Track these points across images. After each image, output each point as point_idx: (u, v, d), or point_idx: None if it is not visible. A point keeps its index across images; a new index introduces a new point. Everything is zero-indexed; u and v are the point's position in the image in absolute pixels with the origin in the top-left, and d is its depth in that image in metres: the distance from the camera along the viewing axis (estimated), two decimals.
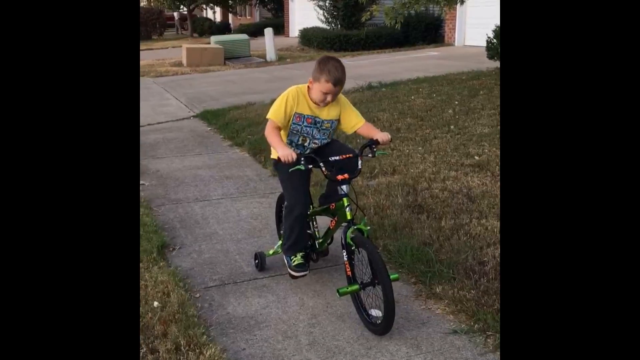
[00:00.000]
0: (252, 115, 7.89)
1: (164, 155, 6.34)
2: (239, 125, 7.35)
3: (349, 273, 2.79)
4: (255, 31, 23.71)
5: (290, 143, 3.00)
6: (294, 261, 3.09)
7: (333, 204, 2.95)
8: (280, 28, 24.01)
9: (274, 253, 3.40)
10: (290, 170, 2.77)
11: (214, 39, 16.86)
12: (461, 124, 6.50)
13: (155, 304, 2.97)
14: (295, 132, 2.97)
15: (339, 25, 17.87)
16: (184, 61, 15.03)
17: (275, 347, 2.66)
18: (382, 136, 2.88)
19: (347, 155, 2.88)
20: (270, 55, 15.31)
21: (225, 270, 3.47)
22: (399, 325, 2.75)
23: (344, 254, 2.78)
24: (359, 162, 2.84)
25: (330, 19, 18.19)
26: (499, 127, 6.21)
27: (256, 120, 7.54)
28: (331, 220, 3.02)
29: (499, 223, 3.78)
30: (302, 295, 3.14)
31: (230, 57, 15.47)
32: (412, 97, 8.19)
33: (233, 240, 3.92)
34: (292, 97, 2.88)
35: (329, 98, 2.84)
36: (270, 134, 2.85)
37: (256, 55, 16.06)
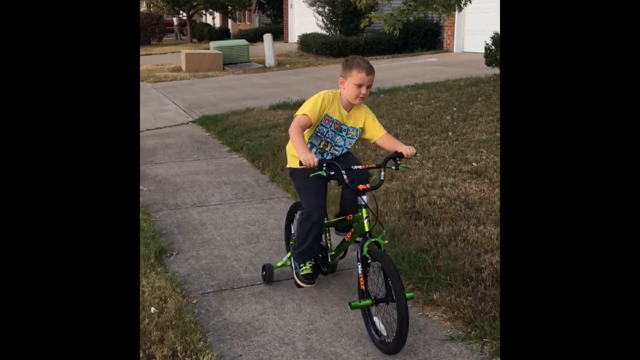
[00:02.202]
0: (250, 121, 7.90)
1: (162, 160, 6.34)
2: (237, 131, 7.36)
3: (363, 287, 2.69)
4: (255, 37, 23.76)
5: (311, 146, 2.97)
6: (303, 270, 3.04)
7: (350, 215, 2.90)
8: (279, 34, 24.08)
9: (282, 265, 3.33)
10: (311, 175, 2.71)
11: (213, 44, 16.90)
12: (459, 131, 6.52)
13: (153, 309, 2.96)
14: (319, 134, 2.94)
15: (338, 31, 17.91)
16: (183, 67, 15.05)
17: (272, 354, 2.65)
18: (406, 149, 2.82)
19: (370, 165, 2.87)
20: (269, 60, 15.34)
21: (223, 276, 3.46)
22: None
23: (359, 266, 2.69)
24: (382, 173, 2.81)
25: (329, 25, 18.23)
26: (497, 133, 6.23)
27: (255, 126, 7.56)
28: (346, 232, 2.96)
29: (496, 229, 3.79)
30: (299, 301, 3.14)
31: (229, 62, 15.50)
32: (411, 103, 8.21)
33: (230, 246, 3.92)
34: (327, 97, 2.87)
35: (363, 90, 2.80)
36: (295, 132, 2.74)
37: (255, 60, 16.10)
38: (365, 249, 2.65)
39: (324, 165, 2.66)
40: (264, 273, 3.33)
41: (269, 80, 12.50)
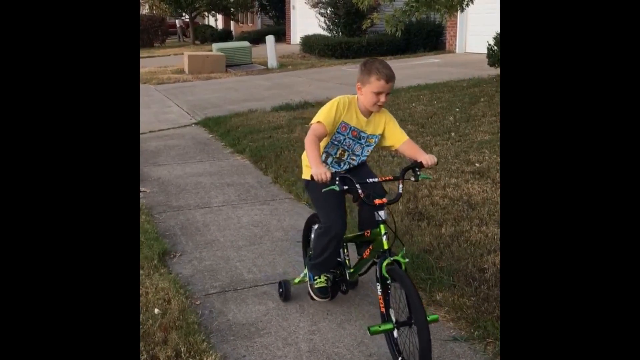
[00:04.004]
0: (253, 123, 7.92)
1: (165, 162, 6.36)
2: (240, 133, 7.38)
3: (383, 309, 2.51)
4: (257, 38, 23.79)
5: (327, 156, 2.82)
6: (317, 283, 2.93)
7: (368, 231, 2.72)
8: (281, 35, 24.11)
9: (299, 282, 3.16)
10: (323, 190, 2.53)
11: (215, 46, 16.94)
12: (462, 131, 6.52)
13: (156, 310, 2.97)
14: (336, 142, 2.78)
15: (340, 33, 17.93)
16: (186, 68, 15.09)
17: (275, 354, 2.66)
18: (427, 158, 2.63)
19: (387, 178, 2.70)
20: (272, 62, 15.36)
21: (226, 278, 3.47)
22: None
23: (378, 287, 2.52)
24: (400, 186, 2.58)
25: (331, 27, 18.27)
26: (499, 134, 6.23)
27: (257, 128, 7.57)
28: (365, 249, 2.77)
29: (499, 230, 3.79)
30: (302, 302, 3.15)
31: (232, 64, 15.53)
32: (413, 104, 8.22)
33: (234, 248, 3.93)
34: (342, 103, 2.71)
35: (382, 98, 2.62)
36: (310, 143, 2.57)
37: (257, 62, 16.12)
38: (384, 268, 2.47)
39: (337, 178, 2.49)
40: (281, 290, 3.15)
41: (272, 81, 12.52)
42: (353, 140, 2.79)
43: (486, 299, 2.95)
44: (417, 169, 2.61)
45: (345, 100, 2.73)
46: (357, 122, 2.75)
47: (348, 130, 2.75)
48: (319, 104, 8.92)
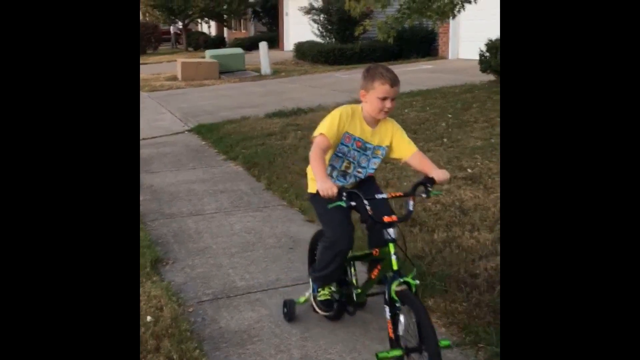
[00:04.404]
0: (246, 130, 7.93)
1: (158, 169, 6.36)
2: (233, 139, 7.38)
3: (392, 335, 2.36)
4: (250, 45, 23.82)
5: (332, 169, 2.71)
6: (321, 295, 2.84)
7: (377, 250, 2.59)
8: (275, 42, 24.16)
9: (305, 301, 3.00)
10: (329, 206, 2.43)
11: (208, 53, 16.96)
12: (454, 137, 6.55)
13: (149, 318, 2.97)
14: (340, 154, 2.67)
15: (334, 39, 17.99)
16: (179, 75, 15.09)
17: None
18: (439, 174, 2.49)
19: (397, 194, 2.56)
20: (265, 69, 15.39)
21: (219, 285, 3.47)
22: None
23: (387, 310, 2.37)
24: (411, 203, 2.46)
25: (324, 33, 18.32)
26: (491, 140, 6.27)
27: (250, 134, 7.58)
28: (373, 269, 2.63)
29: (491, 235, 3.81)
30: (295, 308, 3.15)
31: (225, 71, 15.54)
32: (406, 111, 8.25)
33: (226, 255, 3.93)
34: (345, 113, 2.60)
35: (388, 104, 2.52)
36: (315, 157, 2.47)
37: (251, 69, 16.15)
38: (393, 290, 2.33)
39: (344, 194, 2.38)
40: (285, 310, 3.01)
41: (265, 88, 12.54)
42: (358, 151, 2.68)
43: (478, 305, 2.96)
44: (428, 185, 2.48)
45: (349, 110, 2.63)
46: (361, 133, 2.64)
47: (352, 141, 2.65)
48: (312, 111, 9.01)
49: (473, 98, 8.67)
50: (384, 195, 2.52)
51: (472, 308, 2.94)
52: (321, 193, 2.34)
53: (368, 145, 2.67)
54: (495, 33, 9.72)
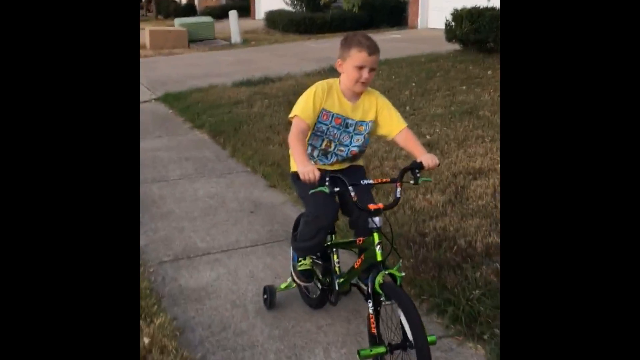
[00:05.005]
0: (213, 98, 7.95)
1: None
2: (200, 108, 7.41)
3: (374, 330, 2.19)
4: (221, 13, 23.42)
5: (312, 149, 2.54)
6: (301, 265, 2.68)
7: (361, 239, 2.43)
8: (246, 10, 23.82)
9: (286, 287, 2.88)
10: (310, 192, 2.28)
11: (177, 21, 16.72)
12: (416, 105, 6.70)
13: None
14: (319, 133, 2.49)
15: (304, 8, 17.87)
16: (147, 44, 14.88)
17: (223, 315, 2.81)
18: (428, 159, 2.32)
19: (384, 180, 2.42)
20: (235, 37, 15.26)
21: (180, 246, 3.59)
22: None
23: (370, 304, 2.19)
24: (398, 190, 2.28)
25: (295, 2, 18.18)
26: (451, 107, 6.43)
27: (217, 103, 7.62)
28: (357, 259, 2.46)
29: (442, 197, 3.99)
30: (252, 267, 3.30)
31: (195, 39, 15.37)
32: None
33: (189, 219, 4.04)
34: (321, 89, 2.42)
35: (365, 74, 2.33)
36: (294, 140, 2.32)
37: (221, 37, 15.98)
38: (377, 283, 2.16)
39: (327, 179, 2.22)
40: (265, 296, 2.87)
41: (234, 57, 12.47)
42: (338, 128, 2.48)
43: (424, 261, 3.14)
44: (417, 171, 2.31)
45: (324, 85, 2.45)
46: (340, 108, 2.45)
47: (330, 118, 2.46)
48: (281, 80, 9.05)
49: (437, 67, 8.80)
50: (370, 181, 2.36)
51: (418, 264, 3.12)
52: (301, 177, 2.17)
53: (349, 121, 2.48)
54: (462, 2, 9.86)
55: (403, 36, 14.01)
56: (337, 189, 2.25)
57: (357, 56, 2.33)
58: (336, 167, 2.57)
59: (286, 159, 5.09)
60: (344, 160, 2.57)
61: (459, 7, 9.67)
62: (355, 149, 2.54)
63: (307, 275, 2.68)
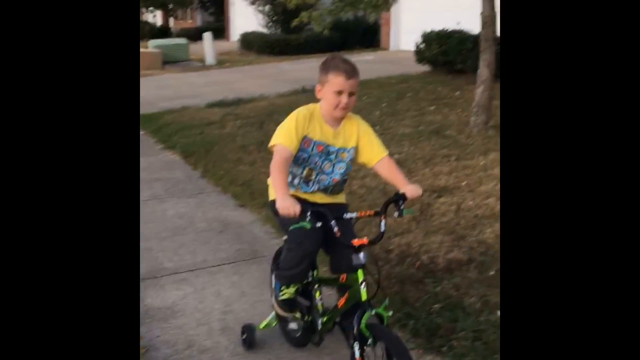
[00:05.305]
0: (185, 119, 7.99)
1: None
2: (171, 129, 7.45)
3: None
4: (196, 35, 23.53)
5: (293, 177, 2.42)
6: (284, 294, 2.46)
7: (344, 276, 2.31)
8: (221, 32, 24.01)
9: (266, 326, 2.71)
10: (291, 228, 2.18)
11: (151, 43, 16.75)
12: (386, 125, 6.83)
13: None
14: (300, 161, 2.38)
15: (279, 30, 18.09)
16: None
17: (188, 334, 2.83)
18: (411, 190, 2.22)
19: (367, 213, 2.26)
20: (209, 59, 15.36)
21: (147, 267, 3.60)
22: None
23: (355, 346, 2.06)
24: (382, 222, 2.19)
25: (270, 24, 18.40)
26: (419, 127, 6.58)
27: (189, 124, 7.66)
28: (340, 297, 2.35)
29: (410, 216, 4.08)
30: (219, 286, 3.33)
31: (169, 61, 15.41)
32: None
33: (157, 239, 4.05)
34: (302, 116, 2.32)
35: (344, 99, 2.25)
36: (276, 169, 2.18)
37: (196, 59, 16.06)
38: (363, 323, 2.05)
39: (308, 214, 2.08)
40: (244, 336, 2.69)
41: (208, 78, 12.54)
42: (320, 156, 2.38)
43: (387, 277, 3.21)
44: (400, 202, 2.20)
45: (305, 112, 2.34)
46: (321, 135, 2.35)
47: (312, 146, 2.35)
48: (254, 100, 9.13)
49: (408, 88, 8.99)
50: (353, 215, 2.24)
51: (382, 280, 3.18)
52: (280, 212, 2.04)
53: (331, 149, 2.37)
54: (434, 25, 10.12)
55: (375, 57, 14.26)
56: (319, 224, 2.10)
57: (335, 81, 2.25)
58: (317, 198, 2.44)
59: (257, 178, 5.17)
60: (325, 188, 2.44)
61: (428, 30, 9.92)
62: (337, 177, 2.43)
63: (289, 304, 2.47)
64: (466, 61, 8.80)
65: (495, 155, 5.32)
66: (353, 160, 2.44)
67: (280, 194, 2.09)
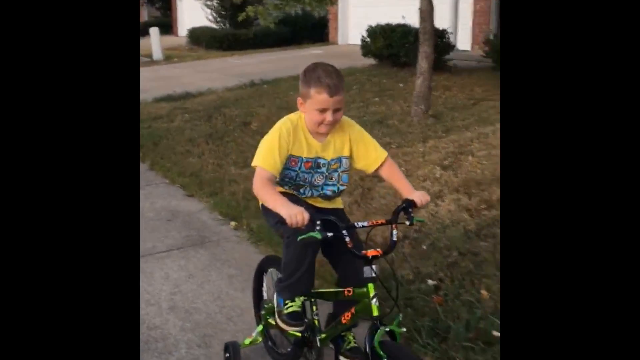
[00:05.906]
0: None
1: None
2: None
3: None
4: (144, 30, 23.22)
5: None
6: (288, 308, 2.21)
7: (350, 289, 2.06)
8: (169, 27, 23.72)
9: (251, 342, 2.51)
10: (299, 238, 1.92)
11: None
12: None
13: None
14: (287, 179, 2.19)
15: (228, 25, 18.07)
16: None
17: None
18: (419, 197, 2.05)
19: (379, 222, 2.03)
20: (157, 54, 15.23)
21: None
22: None
23: None
24: (394, 232, 1.99)
25: (218, 19, 18.34)
26: (364, 117, 6.82)
27: None
28: (343, 312, 2.09)
29: (349, 198, 4.30)
30: (167, 270, 3.45)
31: None
32: (291, 93, 8.65)
33: None
34: (285, 131, 2.10)
35: (329, 117, 2.04)
36: (261, 189, 2.00)
37: (143, 54, 15.84)
38: (376, 341, 1.86)
39: (317, 223, 1.86)
40: (228, 355, 2.49)
41: (155, 73, 12.46)
42: (309, 172, 2.18)
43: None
44: (410, 210, 2.03)
45: (289, 126, 2.12)
46: (309, 151, 2.15)
47: (299, 164, 2.16)
48: (202, 95, 9.18)
49: (354, 80, 9.24)
50: (364, 224, 2.03)
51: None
52: (288, 221, 1.84)
53: (321, 161, 2.18)
54: (381, 19, 10.40)
55: (324, 52, 14.49)
56: (330, 234, 1.88)
57: (317, 98, 2.03)
58: (317, 202, 2.25)
59: (205, 169, 5.29)
60: (318, 195, 2.25)
61: (374, 24, 10.21)
62: (329, 191, 2.23)
63: (295, 317, 2.21)
64: (409, 54, 9.12)
65: (433, 142, 5.61)
66: (349, 169, 2.25)
67: (280, 204, 1.89)
